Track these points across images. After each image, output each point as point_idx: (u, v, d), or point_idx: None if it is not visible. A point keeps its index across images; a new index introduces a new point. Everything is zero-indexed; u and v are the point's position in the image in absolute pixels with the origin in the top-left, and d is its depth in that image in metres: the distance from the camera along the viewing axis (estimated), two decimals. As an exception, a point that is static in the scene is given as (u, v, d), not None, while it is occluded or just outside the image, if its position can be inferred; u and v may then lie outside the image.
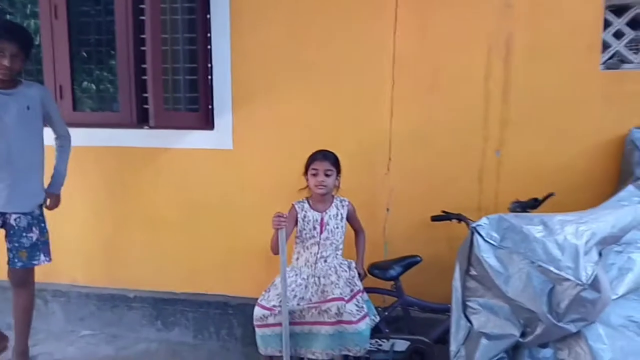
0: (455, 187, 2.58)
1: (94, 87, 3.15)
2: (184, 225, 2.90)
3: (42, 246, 2.49)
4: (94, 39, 3.03)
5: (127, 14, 2.76)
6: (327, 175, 2.26)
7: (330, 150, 2.33)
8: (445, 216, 2.39)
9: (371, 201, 2.67)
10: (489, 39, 2.48)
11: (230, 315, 2.85)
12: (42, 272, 2.97)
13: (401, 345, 2.27)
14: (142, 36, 2.71)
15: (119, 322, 2.99)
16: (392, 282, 2.36)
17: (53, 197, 2.58)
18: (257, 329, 2.22)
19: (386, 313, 2.35)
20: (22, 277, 2.48)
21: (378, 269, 2.36)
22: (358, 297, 2.21)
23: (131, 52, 2.78)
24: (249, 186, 2.80)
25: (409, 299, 2.34)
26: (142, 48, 2.74)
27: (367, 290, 2.33)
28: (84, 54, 3.07)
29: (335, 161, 2.30)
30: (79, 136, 2.91)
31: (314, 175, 2.27)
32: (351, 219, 2.40)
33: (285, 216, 2.17)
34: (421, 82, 2.56)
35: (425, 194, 2.61)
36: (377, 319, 2.30)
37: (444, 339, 2.25)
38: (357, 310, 2.14)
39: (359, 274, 2.33)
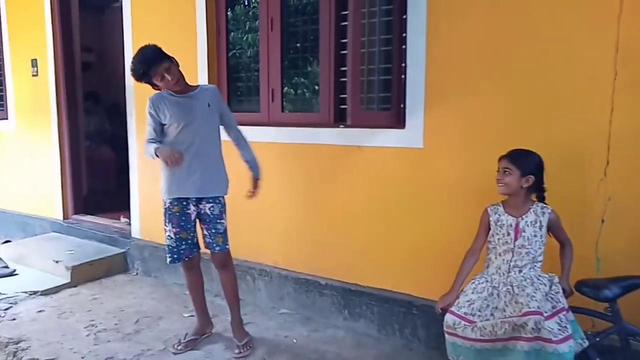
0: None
1: (298, 90, 3.49)
2: (373, 221, 2.99)
3: (226, 233, 2.76)
4: (300, 47, 3.35)
5: (330, 22, 2.96)
6: (505, 174, 2.13)
7: (529, 149, 2.15)
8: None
9: (581, 211, 2.34)
10: None
11: (415, 316, 2.84)
12: (252, 253, 3.44)
13: (616, 379, 1.96)
14: (342, 41, 2.89)
15: (312, 305, 3.24)
16: (606, 305, 2.04)
17: (256, 182, 2.81)
18: (447, 336, 2.16)
19: (597, 339, 2.05)
20: (223, 260, 2.79)
21: (589, 287, 2.06)
22: (561, 315, 1.98)
23: (332, 56, 2.99)
24: (438, 185, 2.74)
25: (629, 327, 2.00)
26: (342, 52, 2.92)
27: (573, 310, 2.07)
28: (292, 61, 3.42)
29: (517, 159, 2.12)
30: (284, 134, 3.28)
31: (497, 171, 2.18)
32: (554, 228, 2.16)
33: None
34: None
35: (653, 204, 2.19)
36: (585, 343, 2.02)
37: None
38: (560, 330, 1.92)
39: (563, 290, 2.08)
